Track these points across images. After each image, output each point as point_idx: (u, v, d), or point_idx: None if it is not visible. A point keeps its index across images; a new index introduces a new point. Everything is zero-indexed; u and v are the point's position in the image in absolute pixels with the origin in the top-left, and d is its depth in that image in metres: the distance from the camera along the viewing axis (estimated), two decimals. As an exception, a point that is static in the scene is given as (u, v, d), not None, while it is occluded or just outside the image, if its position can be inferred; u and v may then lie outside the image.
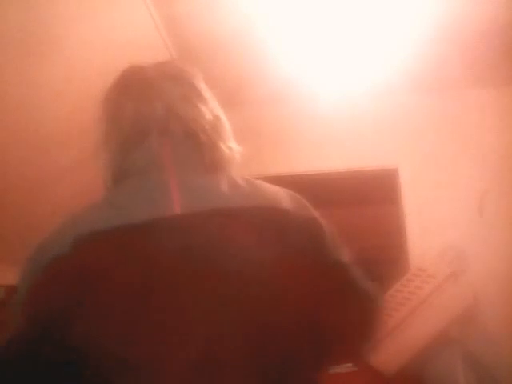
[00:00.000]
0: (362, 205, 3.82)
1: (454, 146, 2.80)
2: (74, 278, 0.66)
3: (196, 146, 0.80)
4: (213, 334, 0.65)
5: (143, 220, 0.69)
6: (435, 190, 2.74)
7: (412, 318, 2.04)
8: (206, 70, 0.93)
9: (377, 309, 0.85)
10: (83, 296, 0.65)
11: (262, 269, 0.69)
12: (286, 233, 0.74)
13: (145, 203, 0.72)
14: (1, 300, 2.06)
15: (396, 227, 2.82)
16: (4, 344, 0.66)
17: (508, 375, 2.11)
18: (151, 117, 0.80)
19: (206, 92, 0.87)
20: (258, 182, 0.81)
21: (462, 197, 2.69)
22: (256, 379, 0.65)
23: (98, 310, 0.65)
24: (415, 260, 2.50)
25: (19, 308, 0.68)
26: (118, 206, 0.72)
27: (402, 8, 2.18)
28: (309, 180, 2.82)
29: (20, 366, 0.64)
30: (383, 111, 2.89)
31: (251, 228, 0.72)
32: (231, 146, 0.85)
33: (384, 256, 3.05)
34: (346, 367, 2.08)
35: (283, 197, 0.79)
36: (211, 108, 0.85)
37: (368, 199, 3.60)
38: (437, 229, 2.62)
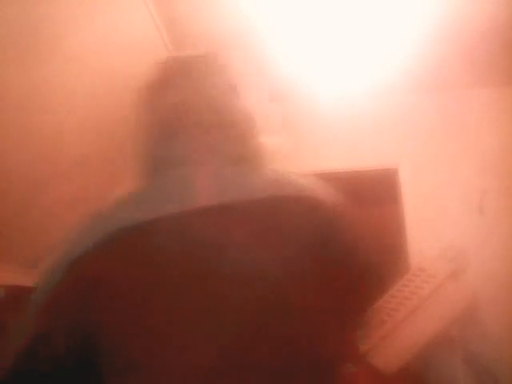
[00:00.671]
0: (362, 205, 3.81)
1: (454, 146, 2.81)
2: (94, 282, 0.66)
3: (231, 139, 0.81)
4: (223, 338, 0.65)
5: (170, 214, 0.70)
6: (435, 190, 2.74)
7: (412, 318, 2.03)
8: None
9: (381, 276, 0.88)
10: (102, 302, 0.65)
11: (275, 268, 0.69)
12: (312, 223, 0.74)
13: (177, 196, 0.73)
14: (1, 300, 2.06)
15: (396, 227, 2.82)
16: (23, 350, 0.65)
17: (508, 375, 2.11)
18: (189, 108, 0.81)
19: (248, 85, 0.87)
20: (291, 173, 0.82)
21: (462, 196, 2.69)
22: (261, 378, 0.65)
23: (118, 315, 0.65)
24: (415, 260, 2.50)
25: (35, 309, 0.68)
26: (148, 200, 0.73)
27: (402, 8, 2.18)
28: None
29: (41, 372, 0.65)
30: (383, 111, 2.89)
31: (271, 222, 0.72)
32: (267, 139, 0.86)
33: (384, 256, 3.04)
34: (345, 367, 2.07)
35: (315, 188, 0.80)
36: (250, 101, 0.85)
37: (368, 199, 3.60)
38: (437, 228, 2.62)
